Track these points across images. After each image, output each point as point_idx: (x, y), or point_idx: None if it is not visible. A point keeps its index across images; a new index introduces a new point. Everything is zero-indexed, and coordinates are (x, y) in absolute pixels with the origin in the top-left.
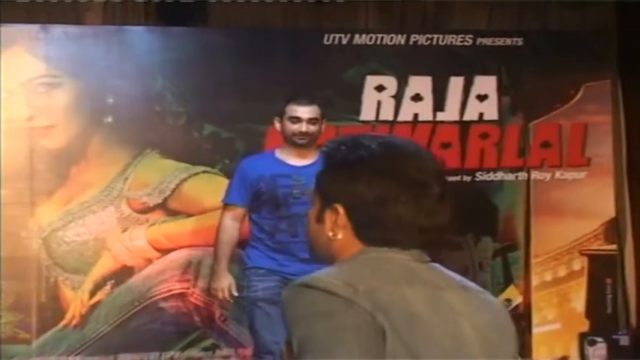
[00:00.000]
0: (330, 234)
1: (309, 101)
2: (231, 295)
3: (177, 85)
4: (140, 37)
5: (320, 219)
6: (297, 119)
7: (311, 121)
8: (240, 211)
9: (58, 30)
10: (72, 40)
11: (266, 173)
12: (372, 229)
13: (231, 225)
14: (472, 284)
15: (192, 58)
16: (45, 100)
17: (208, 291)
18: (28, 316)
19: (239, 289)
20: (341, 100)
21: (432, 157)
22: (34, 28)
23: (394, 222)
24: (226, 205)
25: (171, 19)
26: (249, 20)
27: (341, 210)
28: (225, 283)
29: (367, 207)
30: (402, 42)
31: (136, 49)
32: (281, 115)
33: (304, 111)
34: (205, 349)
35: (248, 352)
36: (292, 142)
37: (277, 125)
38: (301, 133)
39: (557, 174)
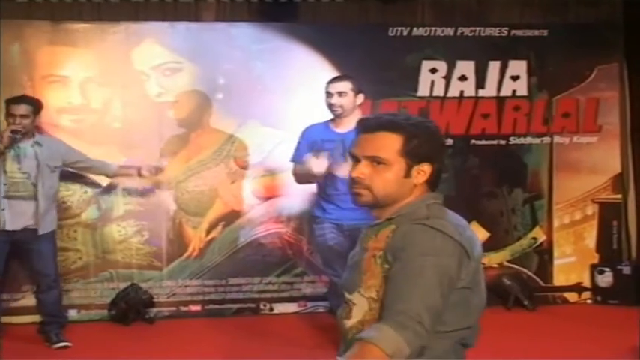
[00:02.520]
0: (417, 183)
1: (340, 78)
2: None
3: (272, 68)
4: (244, 31)
5: (408, 175)
6: (329, 94)
7: (340, 94)
8: (299, 167)
9: (181, 26)
10: (192, 33)
11: (317, 138)
12: (436, 180)
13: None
14: None
15: (284, 48)
16: (170, 80)
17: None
18: (159, 248)
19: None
20: (402, 80)
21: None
22: (163, 25)
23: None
24: (293, 162)
25: (268, 16)
26: (330, 17)
27: (429, 167)
28: None
29: (440, 165)
30: (451, 33)
31: (241, 40)
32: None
33: (334, 86)
34: (296, 275)
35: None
36: (332, 112)
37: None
38: (332, 105)
39: (575, 138)
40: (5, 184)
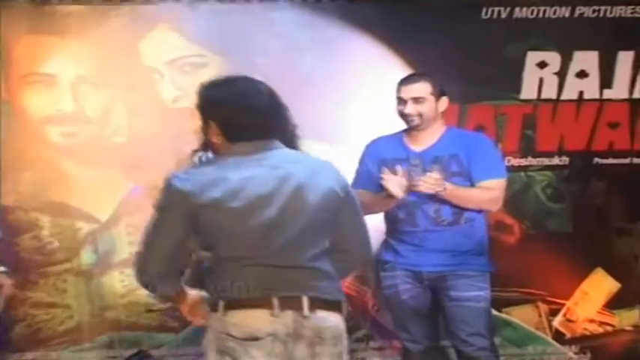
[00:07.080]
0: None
1: (414, 78)
2: None
3: (325, 63)
4: (287, 14)
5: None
6: (401, 100)
7: (416, 100)
8: (363, 194)
9: (204, 7)
10: (218, 17)
11: (387, 157)
12: (231, 132)
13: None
14: (308, 157)
15: (340, 36)
16: (191, 80)
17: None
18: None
19: None
20: (500, 78)
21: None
22: (180, 6)
23: (232, 123)
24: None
25: None
26: None
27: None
28: None
29: (212, 121)
30: (567, 14)
31: (284, 26)
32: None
33: (407, 90)
34: (358, 340)
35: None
36: (406, 123)
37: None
38: (406, 115)
39: None
40: None
